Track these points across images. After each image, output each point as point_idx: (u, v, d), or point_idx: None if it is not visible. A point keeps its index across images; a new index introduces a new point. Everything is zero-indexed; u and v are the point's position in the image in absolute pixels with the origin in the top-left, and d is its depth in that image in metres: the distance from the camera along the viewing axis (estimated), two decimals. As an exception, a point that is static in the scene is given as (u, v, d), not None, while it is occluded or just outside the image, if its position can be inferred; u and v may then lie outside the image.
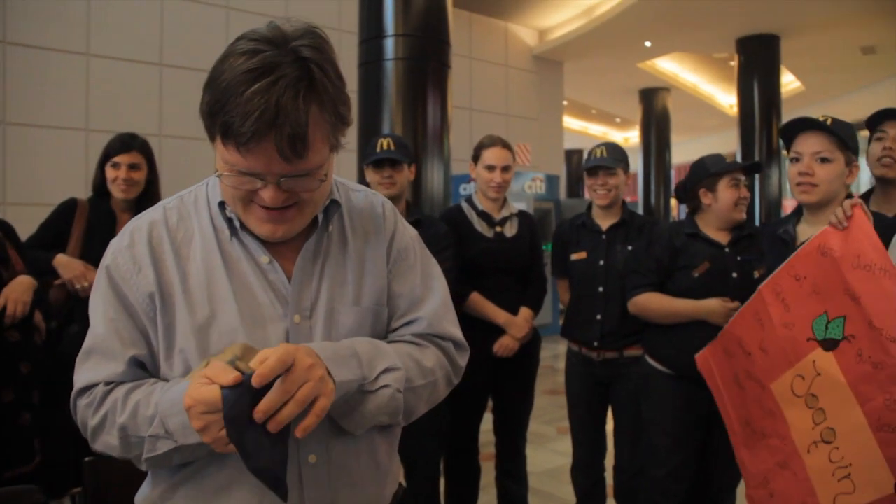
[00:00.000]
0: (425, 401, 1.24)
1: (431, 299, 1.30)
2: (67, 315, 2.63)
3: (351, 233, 1.25)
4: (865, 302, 1.82)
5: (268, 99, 0.98)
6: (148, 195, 2.86)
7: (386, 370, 1.15)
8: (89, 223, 2.77)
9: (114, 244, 1.19)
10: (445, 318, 1.31)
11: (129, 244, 1.17)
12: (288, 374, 0.98)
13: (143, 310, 1.14)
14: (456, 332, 1.32)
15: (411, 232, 1.36)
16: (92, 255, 2.67)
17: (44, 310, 2.58)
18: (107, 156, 2.80)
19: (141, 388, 1.13)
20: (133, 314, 1.15)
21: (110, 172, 2.78)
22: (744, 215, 2.68)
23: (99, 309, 1.16)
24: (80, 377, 1.17)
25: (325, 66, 1.04)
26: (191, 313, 1.13)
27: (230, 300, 1.14)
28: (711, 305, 2.57)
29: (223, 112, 1.00)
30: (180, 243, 1.18)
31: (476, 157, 3.12)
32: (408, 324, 1.28)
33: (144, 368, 1.17)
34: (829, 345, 1.91)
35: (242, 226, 1.16)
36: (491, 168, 3.06)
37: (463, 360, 1.34)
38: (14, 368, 2.15)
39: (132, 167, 2.79)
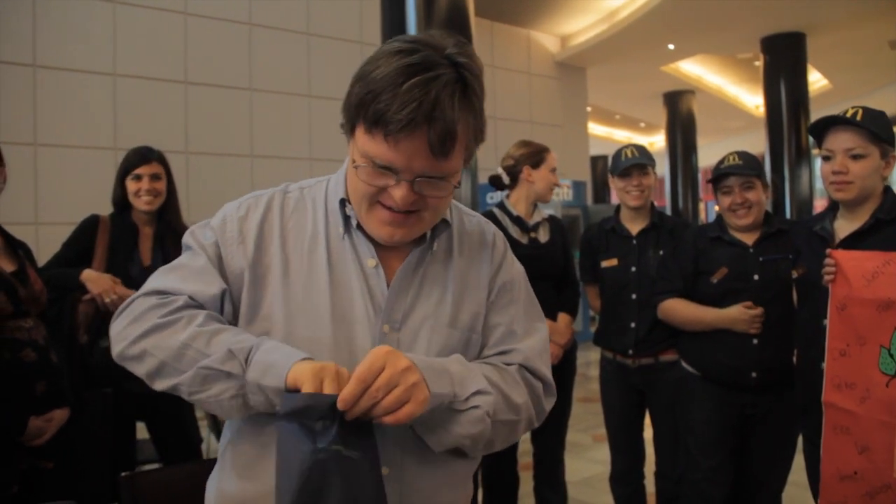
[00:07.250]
0: (502, 439, 1.18)
1: (532, 338, 1.26)
2: (97, 329, 2.63)
3: (457, 254, 1.24)
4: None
5: (427, 92, 0.99)
6: (168, 205, 2.88)
7: (478, 392, 1.10)
8: (112, 238, 2.78)
9: (228, 209, 1.21)
10: (542, 358, 1.26)
11: (243, 216, 1.19)
12: (376, 376, 0.96)
13: (232, 279, 1.15)
14: (549, 374, 1.27)
15: (519, 267, 1.34)
16: (117, 269, 2.70)
17: (69, 325, 2.58)
18: (126, 170, 2.81)
19: (233, 327, 1.11)
20: (224, 271, 1.15)
21: (132, 185, 2.79)
22: (744, 220, 2.60)
23: (194, 246, 1.17)
24: (158, 281, 1.15)
25: (478, 78, 1.08)
26: (285, 301, 1.12)
27: (325, 296, 1.13)
28: (732, 314, 2.54)
29: (377, 101, 1.01)
30: (289, 231, 1.18)
31: (537, 162, 3.06)
32: (502, 353, 1.24)
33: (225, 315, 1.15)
34: None
35: (358, 224, 1.16)
36: (555, 171, 3.09)
37: (549, 405, 1.28)
38: (30, 388, 2.12)
39: (154, 178, 2.80)
